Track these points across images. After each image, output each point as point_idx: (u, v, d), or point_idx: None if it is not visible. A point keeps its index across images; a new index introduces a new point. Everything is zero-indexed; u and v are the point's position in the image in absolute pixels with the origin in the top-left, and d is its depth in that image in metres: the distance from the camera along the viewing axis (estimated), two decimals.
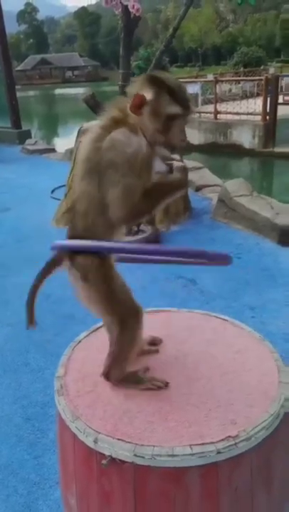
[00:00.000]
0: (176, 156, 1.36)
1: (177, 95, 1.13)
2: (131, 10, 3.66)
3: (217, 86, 13.58)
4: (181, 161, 1.37)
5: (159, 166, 1.23)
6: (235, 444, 1.05)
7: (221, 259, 1.23)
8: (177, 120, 1.14)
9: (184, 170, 1.26)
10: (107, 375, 1.30)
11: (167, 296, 3.51)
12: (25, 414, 2.43)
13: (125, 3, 3.66)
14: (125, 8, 3.74)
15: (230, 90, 16.20)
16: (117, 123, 1.16)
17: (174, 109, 1.13)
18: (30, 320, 1.36)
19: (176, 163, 1.27)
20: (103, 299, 1.26)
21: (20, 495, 1.97)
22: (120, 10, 3.82)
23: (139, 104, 1.13)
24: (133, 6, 3.64)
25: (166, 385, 1.26)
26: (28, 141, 10.35)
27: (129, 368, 1.30)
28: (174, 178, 1.23)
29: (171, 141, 1.17)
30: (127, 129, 1.14)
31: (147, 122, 1.14)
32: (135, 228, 4.51)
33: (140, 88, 1.14)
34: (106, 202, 1.15)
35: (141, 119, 1.14)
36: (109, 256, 1.25)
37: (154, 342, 1.46)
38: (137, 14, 3.71)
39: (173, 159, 1.30)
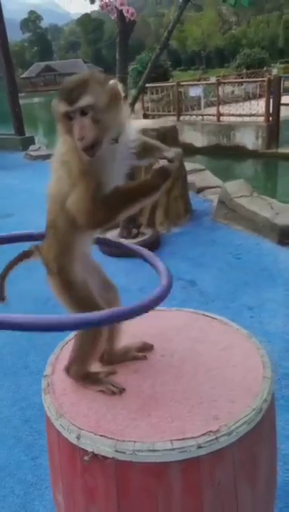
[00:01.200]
0: (170, 154, 1.21)
1: (62, 93, 1.09)
2: (126, 14, 3.70)
3: (219, 88, 13.59)
4: (171, 161, 1.24)
5: (125, 155, 1.18)
6: (216, 438, 1.06)
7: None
8: (71, 118, 1.09)
9: (165, 172, 1.15)
10: (67, 370, 1.33)
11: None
12: (23, 416, 2.45)
13: (120, 7, 3.69)
14: (120, 13, 3.77)
15: (232, 92, 16.21)
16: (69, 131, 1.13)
17: (59, 106, 1.09)
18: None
19: (160, 162, 1.17)
20: (62, 293, 1.28)
21: (16, 495, 1.98)
22: (116, 15, 3.85)
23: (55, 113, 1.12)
24: (128, 10, 3.67)
25: (121, 391, 1.25)
26: (31, 147, 10.42)
27: (90, 367, 1.32)
28: (146, 182, 1.15)
29: (76, 141, 1.09)
30: (66, 137, 1.13)
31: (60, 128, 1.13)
32: (135, 231, 4.53)
33: None
34: (64, 204, 1.17)
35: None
36: (72, 248, 1.25)
37: (144, 348, 1.44)
38: (132, 18, 3.75)
39: (164, 157, 1.19)
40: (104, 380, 1.30)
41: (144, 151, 1.24)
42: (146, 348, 1.44)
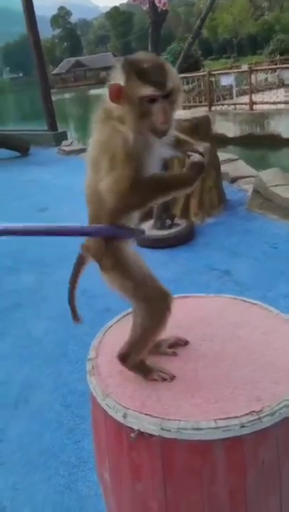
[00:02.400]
0: (201, 148, 1.24)
1: (147, 75, 1.05)
2: (158, 4, 3.69)
3: (252, 76, 13.33)
4: (202, 155, 1.26)
5: (165, 152, 1.19)
6: (259, 418, 1.07)
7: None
8: (154, 102, 1.07)
9: (200, 165, 1.17)
10: (123, 359, 1.30)
11: (201, 288, 3.52)
12: (64, 401, 2.53)
13: None
14: (152, 3, 3.77)
15: (266, 80, 15.87)
16: (107, 118, 1.14)
17: (145, 90, 1.05)
18: (74, 316, 1.47)
19: (195, 156, 1.20)
20: (123, 286, 1.27)
21: (61, 476, 2.06)
22: (147, 5, 3.86)
23: (115, 94, 1.08)
24: (160, 0, 3.67)
25: (172, 378, 1.25)
26: (64, 143, 10.56)
27: (146, 353, 1.30)
28: (181, 174, 1.18)
29: (154, 126, 1.09)
30: (112, 125, 1.12)
31: (127, 110, 1.09)
32: (169, 222, 4.54)
33: (116, 77, 1.09)
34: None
35: (122, 108, 1.10)
36: (117, 240, 1.25)
37: (177, 343, 1.41)
38: (164, 8, 3.74)
39: (196, 151, 1.22)
40: (155, 369, 1.29)
41: (176, 143, 1.26)
42: (178, 343, 1.42)
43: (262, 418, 1.07)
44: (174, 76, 1.10)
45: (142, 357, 1.30)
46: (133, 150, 1.11)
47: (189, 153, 1.22)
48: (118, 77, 1.09)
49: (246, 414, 1.08)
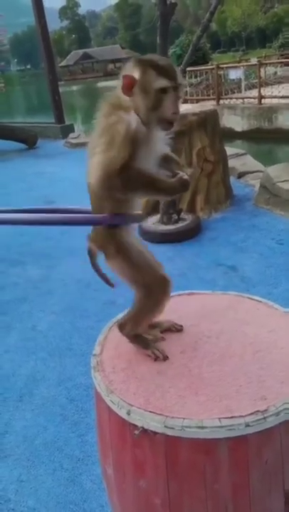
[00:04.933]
0: (188, 173, 1.31)
1: (162, 69, 1.16)
2: None
3: (261, 70, 13.17)
4: (187, 174, 1.35)
5: (161, 150, 1.26)
6: (264, 418, 1.07)
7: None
8: (166, 93, 1.16)
9: (186, 183, 1.24)
10: (121, 327, 1.41)
11: (207, 284, 3.51)
12: (69, 395, 2.54)
13: None
14: None
15: (275, 73, 15.68)
16: (113, 109, 1.19)
17: (161, 82, 1.15)
18: (108, 282, 1.51)
19: (184, 174, 1.26)
20: (126, 272, 1.32)
21: (65, 470, 2.07)
22: None
23: (128, 85, 1.16)
24: None
25: (165, 358, 1.32)
26: (71, 135, 10.54)
27: (142, 329, 1.40)
28: (168, 182, 1.24)
29: (164, 116, 1.17)
30: (120, 113, 1.18)
31: (139, 101, 1.17)
32: (175, 216, 4.53)
33: (129, 70, 1.17)
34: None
35: (133, 99, 1.17)
36: (119, 227, 1.30)
37: (170, 329, 1.46)
38: (173, 0, 3.70)
39: (181, 171, 1.28)
40: (151, 345, 1.36)
41: (165, 160, 1.31)
42: (172, 329, 1.47)
43: (267, 418, 1.07)
44: (180, 73, 1.22)
45: (137, 331, 1.39)
46: (133, 136, 1.16)
47: (176, 172, 1.28)
48: (132, 71, 1.17)
49: (251, 413, 1.07)
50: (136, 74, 1.16)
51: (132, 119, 1.16)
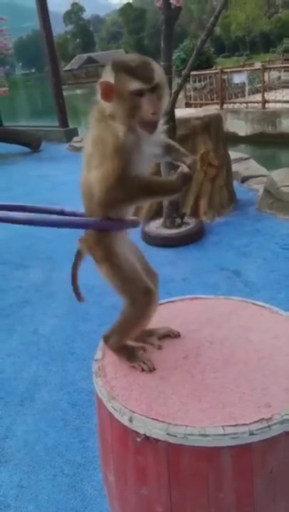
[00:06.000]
0: (189, 161, 1.28)
1: (135, 71, 1.11)
2: (171, 1, 3.65)
3: (265, 74, 13.18)
4: (189, 167, 1.31)
5: (154, 153, 1.26)
6: (269, 426, 1.05)
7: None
8: (143, 96, 1.12)
9: (188, 177, 1.22)
10: (105, 339, 1.39)
11: (210, 288, 3.49)
12: (71, 400, 2.52)
13: None
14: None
15: (279, 78, 15.68)
16: (102, 115, 1.18)
17: (134, 84, 1.11)
18: (78, 296, 1.55)
19: (184, 167, 1.24)
20: (112, 278, 1.32)
21: (66, 475, 2.05)
22: (161, 1, 3.81)
23: (105, 91, 1.13)
24: None
25: (152, 370, 1.29)
26: (75, 139, 10.55)
27: (128, 340, 1.38)
28: (169, 181, 1.23)
29: (144, 119, 1.13)
30: (105, 123, 1.16)
31: (117, 106, 1.14)
32: (179, 220, 4.51)
33: (106, 76, 1.14)
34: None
35: (113, 105, 1.15)
36: (110, 233, 1.29)
37: (168, 335, 1.45)
38: (178, 5, 3.70)
39: (183, 162, 1.27)
40: (138, 357, 1.34)
41: (166, 149, 1.32)
42: (170, 335, 1.45)
43: (271, 426, 1.05)
44: (160, 73, 1.17)
45: (123, 342, 1.37)
46: (123, 145, 1.15)
47: (176, 162, 1.29)
48: (108, 76, 1.14)
49: (255, 421, 1.06)
50: (112, 79, 1.13)
51: (119, 129, 1.14)
